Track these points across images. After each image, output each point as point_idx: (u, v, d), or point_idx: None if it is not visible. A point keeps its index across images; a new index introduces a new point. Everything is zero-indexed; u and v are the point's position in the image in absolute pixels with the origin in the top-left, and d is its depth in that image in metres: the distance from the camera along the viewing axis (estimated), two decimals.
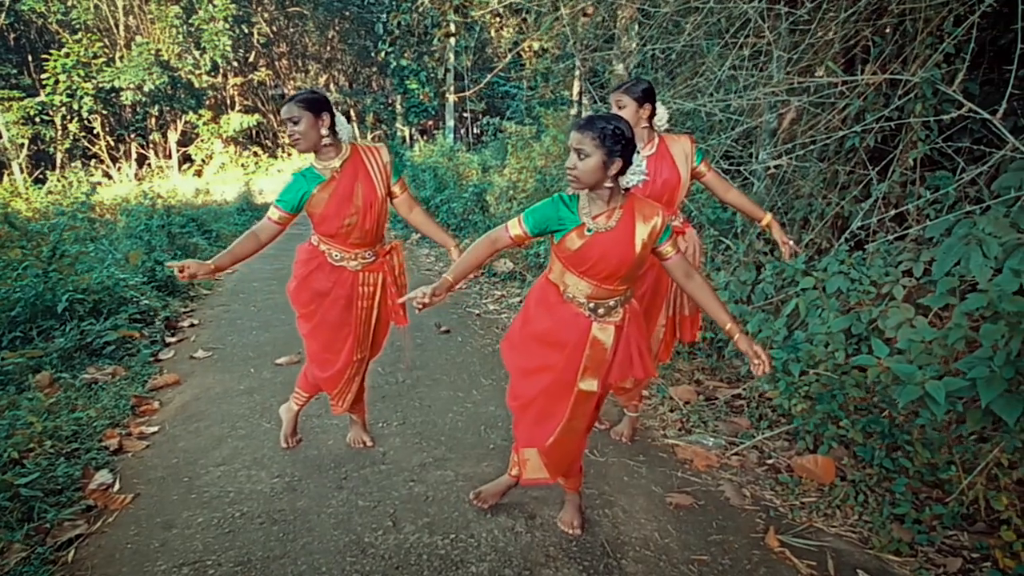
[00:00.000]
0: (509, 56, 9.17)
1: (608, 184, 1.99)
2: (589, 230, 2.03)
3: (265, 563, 2.32)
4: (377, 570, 2.27)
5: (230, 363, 4.43)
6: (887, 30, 3.95)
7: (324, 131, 2.56)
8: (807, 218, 4.53)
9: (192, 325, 5.38)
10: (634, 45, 6.26)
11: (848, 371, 2.90)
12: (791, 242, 2.88)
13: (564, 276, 2.15)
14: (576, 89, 9.63)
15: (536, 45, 10.21)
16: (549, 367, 2.21)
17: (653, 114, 2.76)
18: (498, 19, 10.45)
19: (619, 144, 1.93)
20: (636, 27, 6.18)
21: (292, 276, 2.83)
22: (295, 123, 2.52)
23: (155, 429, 3.41)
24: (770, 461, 3.05)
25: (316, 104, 2.54)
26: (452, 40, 14.21)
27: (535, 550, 2.38)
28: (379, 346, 3.07)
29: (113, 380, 3.99)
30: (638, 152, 2.03)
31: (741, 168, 4.81)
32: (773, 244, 4.70)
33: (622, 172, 1.99)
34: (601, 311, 2.15)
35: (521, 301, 2.45)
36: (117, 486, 2.85)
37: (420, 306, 2.06)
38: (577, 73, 8.84)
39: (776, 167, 4.70)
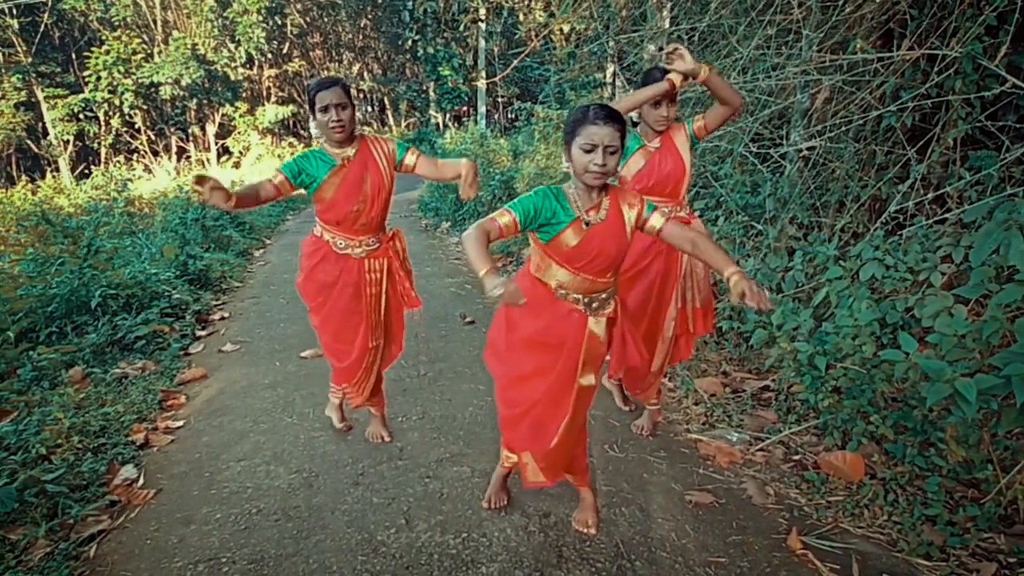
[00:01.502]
0: (537, 40, 9.02)
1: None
2: (587, 224, 1.99)
3: (278, 561, 2.33)
4: (387, 570, 2.26)
5: (257, 356, 4.48)
6: (924, 2, 3.73)
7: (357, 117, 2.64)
8: (842, 201, 4.35)
9: (222, 318, 5.47)
10: (666, 24, 6.09)
11: (878, 365, 2.77)
12: None
13: (557, 274, 2.08)
14: (610, 71, 9.44)
15: (566, 27, 10.03)
16: (545, 369, 2.16)
17: None
18: (525, 2, 10.28)
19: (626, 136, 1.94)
20: (668, 5, 6.01)
21: (299, 270, 2.86)
22: (343, 109, 2.54)
23: (181, 423, 3.47)
24: (796, 457, 2.94)
25: (351, 93, 2.61)
26: (481, 25, 14.09)
27: (547, 550, 2.34)
28: (398, 340, 3.09)
29: (143, 374, 4.07)
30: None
31: (772, 151, 4.63)
32: (806, 229, 4.56)
33: None
34: (595, 305, 2.12)
35: None
36: (141, 481, 2.91)
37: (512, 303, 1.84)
38: (609, 54, 8.67)
39: (809, 149, 4.51)
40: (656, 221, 2.01)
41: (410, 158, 2.74)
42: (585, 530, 2.43)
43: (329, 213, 2.69)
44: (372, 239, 2.78)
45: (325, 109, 2.52)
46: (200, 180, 2.23)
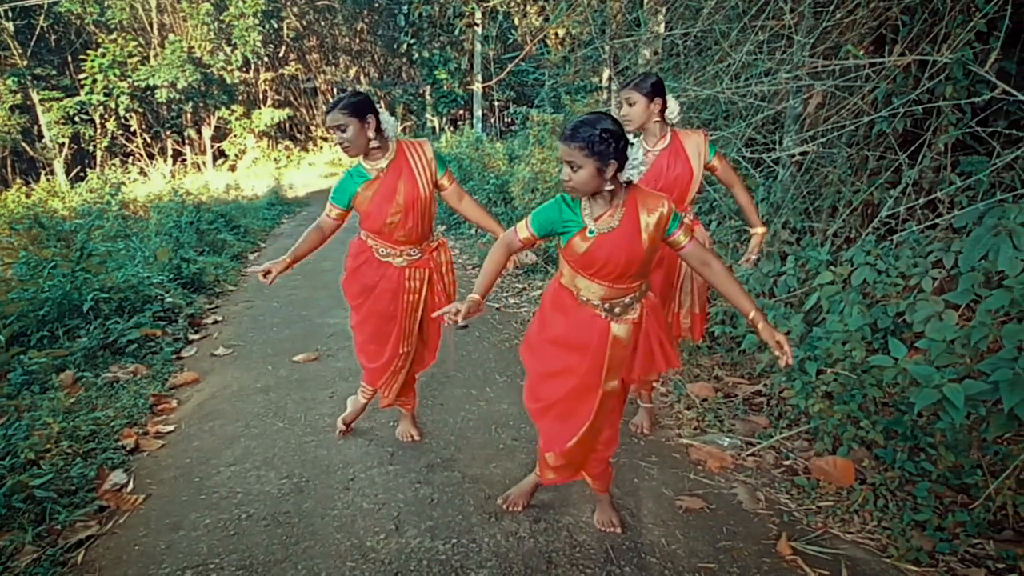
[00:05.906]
0: (532, 44, 9.04)
1: (608, 187, 1.94)
2: (591, 232, 1.99)
3: (267, 567, 2.32)
4: None
5: (249, 360, 4.47)
6: (915, 8, 3.75)
7: (371, 134, 2.60)
8: (835, 206, 4.36)
9: (216, 322, 5.45)
10: (661, 29, 6.11)
11: (868, 370, 2.77)
12: (754, 257, 2.95)
13: (575, 280, 2.12)
14: (605, 75, 9.47)
15: (561, 31, 10.06)
16: (571, 370, 2.18)
17: (664, 107, 2.74)
18: (520, 6, 10.30)
19: (610, 147, 1.87)
20: (663, 10, 6.03)
21: (344, 269, 2.91)
22: (342, 131, 2.56)
23: (172, 428, 3.46)
24: (787, 462, 2.94)
25: (361, 108, 2.56)
26: (477, 29, 14.11)
27: (537, 556, 2.34)
28: (432, 350, 3.11)
29: (134, 378, 4.05)
30: (632, 144, 1.96)
31: (765, 156, 4.64)
32: (799, 233, 4.56)
33: (620, 170, 1.93)
34: (617, 310, 2.11)
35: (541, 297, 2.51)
36: (130, 486, 2.89)
37: (452, 322, 2.04)
38: (604, 59, 8.70)
39: (802, 154, 4.53)
40: (680, 238, 2.03)
41: (444, 181, 2.78)
42: (611, 530, 2.45)
43: (367, 223, 2.74)
44: (413, 249, 2.80)
45: (334, 130, 2.58)
46: (265, 275, 2.54)
